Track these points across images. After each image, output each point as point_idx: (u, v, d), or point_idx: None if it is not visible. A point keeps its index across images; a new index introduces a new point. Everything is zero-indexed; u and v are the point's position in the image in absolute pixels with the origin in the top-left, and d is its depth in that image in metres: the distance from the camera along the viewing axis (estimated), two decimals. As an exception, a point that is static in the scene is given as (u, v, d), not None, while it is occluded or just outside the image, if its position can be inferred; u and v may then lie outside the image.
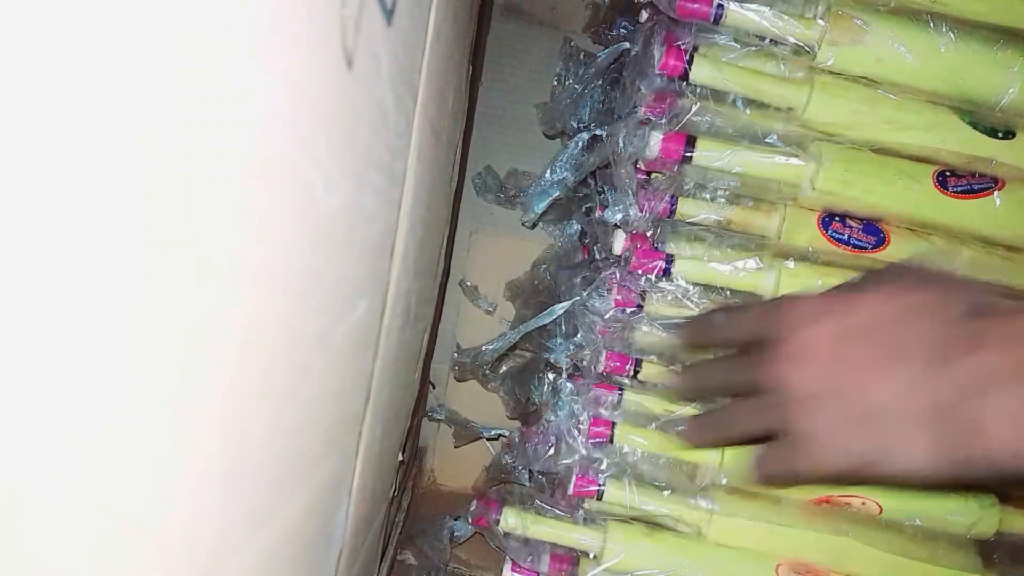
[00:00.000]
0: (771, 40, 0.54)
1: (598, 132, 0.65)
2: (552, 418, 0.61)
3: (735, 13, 0.53)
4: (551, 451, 0.61)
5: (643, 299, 0.58)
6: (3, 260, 0.10)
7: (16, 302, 0.11)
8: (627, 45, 0.63)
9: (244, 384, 0.19)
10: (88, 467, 0.13)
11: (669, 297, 0.58)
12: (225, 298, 0.17)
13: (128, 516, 0.14)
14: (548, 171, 0.71)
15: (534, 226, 0.82)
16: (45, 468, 0.12)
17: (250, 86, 0.15)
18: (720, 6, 0.53)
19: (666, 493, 0.59)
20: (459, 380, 0.84)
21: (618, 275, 0.59)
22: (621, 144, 0.56)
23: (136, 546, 0.15)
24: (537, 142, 0.86)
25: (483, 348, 0.73)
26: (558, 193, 0.71)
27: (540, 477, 0.64)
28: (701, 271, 0.58)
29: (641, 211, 0.56)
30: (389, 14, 0.26)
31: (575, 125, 0.73)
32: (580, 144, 0.68)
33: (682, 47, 0.55)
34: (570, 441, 0.59)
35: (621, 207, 0.57)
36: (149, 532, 0.15)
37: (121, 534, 0.14)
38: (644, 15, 0.61)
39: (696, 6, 0.53)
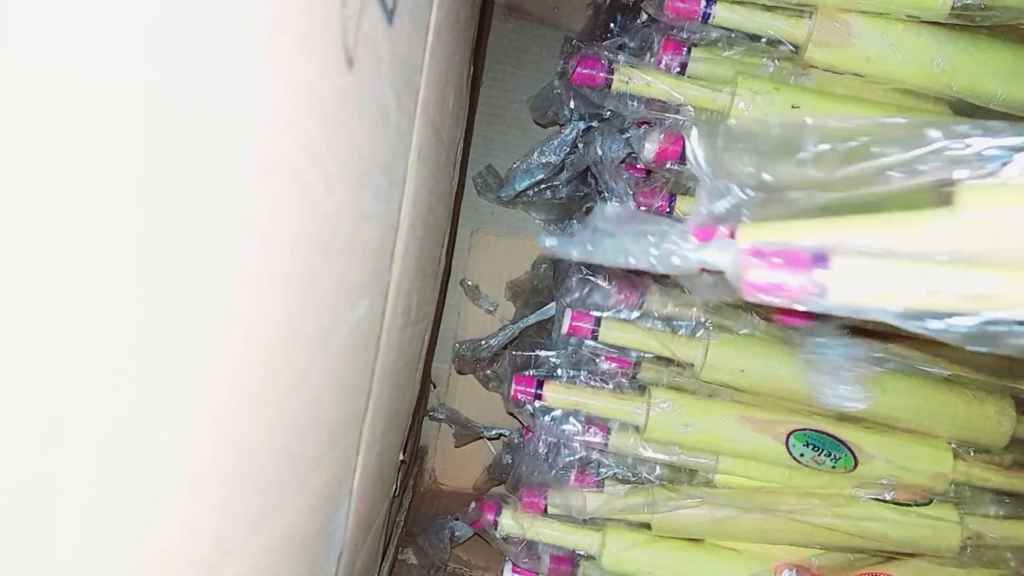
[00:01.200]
0: (768, 41, 0.54)
1: (593, 124, 0.65)
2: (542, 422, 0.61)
3: (723, 12, 0.53)
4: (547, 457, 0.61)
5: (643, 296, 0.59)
6: (4, 261, 0.10)
7: (17, 303, 0.11)
8: (623, 41, 0.63)
9: (244, 384, 0.19)
10: (88, 467, 0.13)
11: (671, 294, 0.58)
12: (225, 298, 0.17)
13: (128, 516, 0.14)
14: (536, 152, 0.72)
15: (511, 202, 0.82)
16: (45, 468, 0.12)
17: (250, 86, 0.15)
18: (709, 5, 0.53)
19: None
20: (460, 372, 0.84)
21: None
22: (600, 152, 0.57)
23: (135, 546, 0.15)
24: (538, 141, 0.87)
25: (483, 343, 0.73)
26: (541, 175, 0.71)
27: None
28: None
29: (639, 207, 0.57)
30: (390, 14, 0.26)
31: (567, 113, 0.73)
32: (575, 131, 0.68)
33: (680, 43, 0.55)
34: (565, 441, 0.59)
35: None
36: (149, 532, 0.15)
37: (120, 534, 0.14)
38: (644, 16, 0.61)
39: (685, 5, 0.53)
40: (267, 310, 0.20)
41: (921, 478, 0.57)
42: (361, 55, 0.22)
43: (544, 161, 0.71)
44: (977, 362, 0.57)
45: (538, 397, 0.58)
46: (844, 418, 0.57)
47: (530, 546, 0.60)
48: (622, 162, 0.58)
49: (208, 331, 0.16)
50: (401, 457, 0.59)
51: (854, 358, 0.52)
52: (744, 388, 0.58)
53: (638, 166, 0.59)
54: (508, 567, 0.62)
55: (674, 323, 0.59)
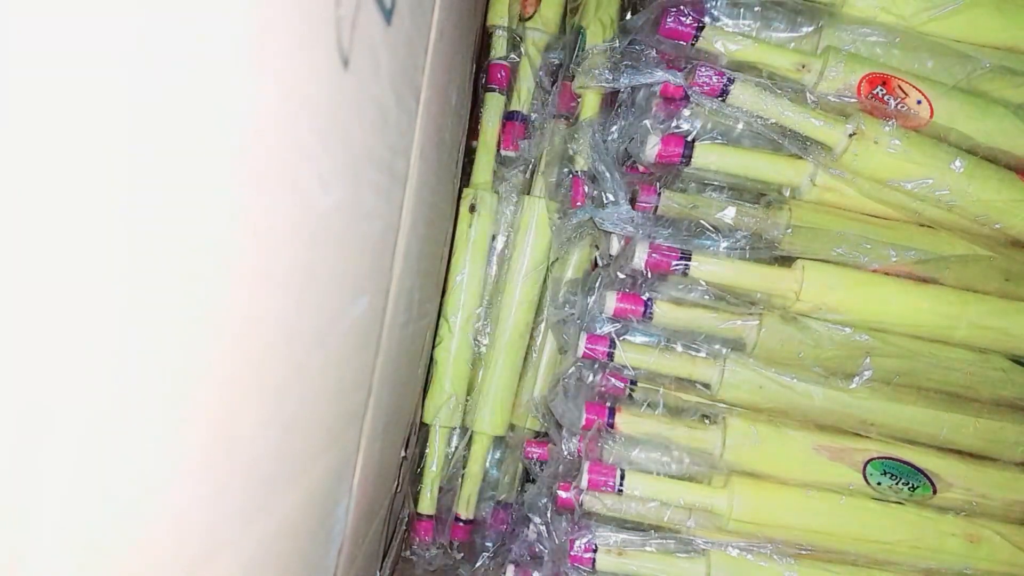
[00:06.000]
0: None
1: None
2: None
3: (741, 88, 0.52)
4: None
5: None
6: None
7: (2, 294, 0.11)
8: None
9: (238, 379, 0.20)
10: (72, 459, 0.13)
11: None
12: (217, 294, 0.17)
13: (113, 508, 0.14)
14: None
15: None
16: (26, 460, 0.12)
17: (242, 84, 0.16)
18: (729, 82, 0.51)
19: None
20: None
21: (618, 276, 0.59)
22: (594, 161, 0.57)
23: (121, 538, 0.15)
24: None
25: None
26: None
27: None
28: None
29: (634, 208, 0.57)
30: (388, 14, 0.26)
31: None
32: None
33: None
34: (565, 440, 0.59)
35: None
36: (135, 524, 0.15)
37: (105, 526, 0.14)
38: None
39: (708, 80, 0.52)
40: (261, 305, 0.20)
41: (1000, 506, 0.56)
42: (357, 55, 0.22)
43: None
44: (991, 380, 0.56)
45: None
46: (923, 445, 0.56)
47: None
48: (625, 164, 0.58)
49: (200, 326, 0.17)
50: (403, 454, 0.59)
51: None
52: (763, 406, 0.57)
53: (636, 167, 0.59)
54: (510, 568, 0.62)
55: (687, 343, 0.58)
